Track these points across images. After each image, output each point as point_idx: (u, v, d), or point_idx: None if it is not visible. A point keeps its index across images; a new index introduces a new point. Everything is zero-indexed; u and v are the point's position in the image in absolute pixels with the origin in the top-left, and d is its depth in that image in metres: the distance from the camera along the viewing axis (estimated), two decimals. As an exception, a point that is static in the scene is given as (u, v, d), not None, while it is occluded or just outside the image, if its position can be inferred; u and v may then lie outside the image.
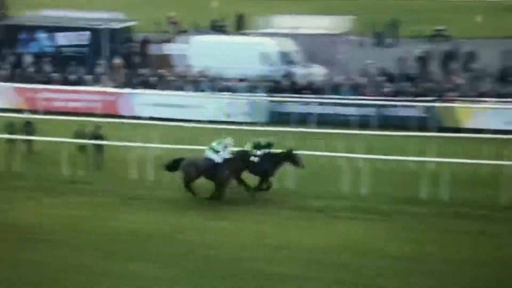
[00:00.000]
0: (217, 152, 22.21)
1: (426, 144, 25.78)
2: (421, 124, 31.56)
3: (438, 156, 23.73)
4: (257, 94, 35.54)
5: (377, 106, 33.43)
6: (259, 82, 36.40)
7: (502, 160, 23.29)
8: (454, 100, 33.38)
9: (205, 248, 18.60)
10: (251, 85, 36.30)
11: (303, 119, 32.89)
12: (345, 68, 38.06)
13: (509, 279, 17.20)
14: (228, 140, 22.57)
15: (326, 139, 26.52)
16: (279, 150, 22.97)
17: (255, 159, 22.47)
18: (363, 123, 31.88)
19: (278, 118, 33.56)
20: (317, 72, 37.89)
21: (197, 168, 22.21)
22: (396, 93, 34.59)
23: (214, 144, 22.39)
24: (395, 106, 33.40)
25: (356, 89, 35.32)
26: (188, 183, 22.29)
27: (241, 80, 36.87)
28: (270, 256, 18.27)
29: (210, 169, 22.11)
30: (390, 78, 36.00)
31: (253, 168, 22.65)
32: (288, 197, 22.78)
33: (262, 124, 32.03)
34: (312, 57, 39.06)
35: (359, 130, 29.51)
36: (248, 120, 33.41)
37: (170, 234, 19.77)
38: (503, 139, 27.18)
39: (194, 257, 18.09)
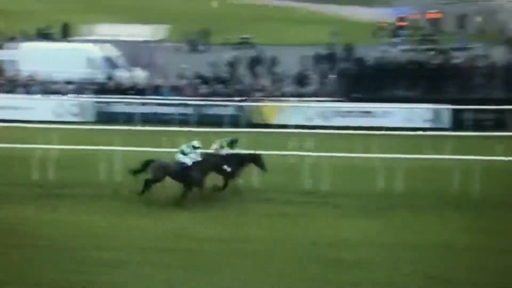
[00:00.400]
0: (187, 154, 21.43)
1: (239, 138, 26.77)
2: (234, 121, 33.00)
3: (249, 149, 24.88)
4: (84, 96, 36.03)
5: (195, 105, 34.64)
6: (86, 85, 36.91)
7: (304, 151, 24.87)
8: (261, 99, 35.10)
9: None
10: (79, 88, 36.74)
11: (128, 118, 33.43)
12: (164, 71, 39.10)
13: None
14: (197, 143, 21.75)
15: (151, 136, 27.29)
16: (245, 152, 22.61)
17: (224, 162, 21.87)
18: (183, 121, 32.91)
19: (105, 117, 33.99)
20: (139, 75, 38.78)
21: (166, 170, 21.53)
22: (211, 94, 35.98)
23: (184, 147, 21.64)
24: (211, 105, 34.76)
25: (175, 91, 36.47)
26: (150, 183, 21.49)
27: (68, 83, 37.19)
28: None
29: (180, 171, 21.37)
30: (205, 81, 37.26)
31: (220, 169, 22.02)
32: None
33: (90, 123, 32.49)
34: (134, 62, 39.98)
35: (180, 127, 30.50)
36: (77, 120, 33.85)
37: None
38: (304, 133, 28.86)
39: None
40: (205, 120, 33.30)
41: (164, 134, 27.23)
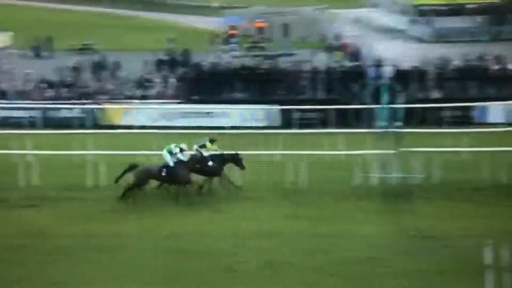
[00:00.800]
0: (173, 154, 20.99)
1: (86, 139, 26.34)
2: (82, 123, 32.54)
3: (96, 149, 24.69)
4: None
5: (41, 109, 33.78)
6: None
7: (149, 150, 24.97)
8: (106, 102, 34.68)
9: None
10: None
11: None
12: (11, 76, 37.81)
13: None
14: (184, 145, 21.33)
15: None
16: (224, 152, 22.31)
17: (210, 162, 21.74)
18: (31, 124, 32.16)
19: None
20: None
21: (150, 173, 21.04)
22: (57, 98, 35.11)
23: (171, 146, 21.18)
24: (58, 108, 33.98)
25: (22, 95, 35.38)
26: (133, 188, 20.99)
27: None
28: None
29: (166, 172, 20.97)
30: (51, 85, 36.39)
31: (203, 169, 21.81)
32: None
33: None
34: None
35: (29, 130, 29.77)
36: None
37: None
38: (148, 133, 28.89)
39: None
40: (53, 122, 32.53)
41: (12, 137, 26.62)
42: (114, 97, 35.24)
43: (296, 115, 32.53)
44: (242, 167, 22.14)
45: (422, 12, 54.48)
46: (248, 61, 36.83)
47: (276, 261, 17.02)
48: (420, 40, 50.60)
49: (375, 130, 28.51)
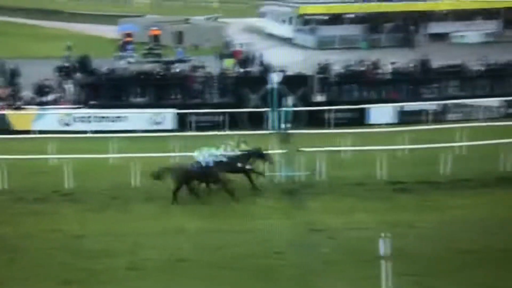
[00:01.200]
0: (215, 155, 20.84)
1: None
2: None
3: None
4: None
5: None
6: None
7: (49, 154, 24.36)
8: (5, 108, 33.41)
9: None
10: None
11: None
12: None
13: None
14: (223, 145, 21.50)
15: None
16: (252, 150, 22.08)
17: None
18: None
19: None
20: None
21: (190, 173, 20.68)
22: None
23: (212, 149, 21.02)
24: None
25: None
26: (178, 189, 20.65)
27: None
28: None
29: (204, 173, 20.71)
30: None
31: (235, 167, 21.58)
32: None
33: None
34: None
35: None
36: None
37: None
38: (48, 137, 27.95)
39: None
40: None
41: None
42: (14, 104, 33.87)
43: (191, 119, 32.34)
44: (270, 160, 22.33)
45: (306, 21, 55.44)
46: (145, 67, 36.29)
47: (178, 257, 16.90)
48: (305, 47, 51.44)
49: (266, 131, 28.87)
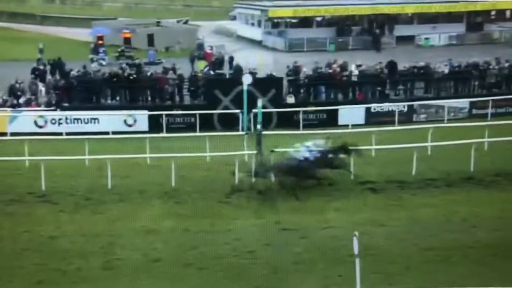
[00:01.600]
0: (311, 151, 20.75)
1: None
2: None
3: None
4: None
5: None
6: None
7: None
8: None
9: None
10: None
11: None
12: None
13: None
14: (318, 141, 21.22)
15: None
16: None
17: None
18: None
19: None
20: None
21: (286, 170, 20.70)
22: None
23: (309, 144, 20.98)
24: None
25: None
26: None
27: None
28: None
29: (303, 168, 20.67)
30: None
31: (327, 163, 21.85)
32: None
33: None
34: None
35: None
36: None
37: None
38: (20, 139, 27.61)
39: None
40: None
41: None
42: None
43: (163, 120, 32.18)
44: (359, 154, 22.43)
45: (276, 24, 55.59)
46: (117, 69, 36.04)
47: (150, 257, 16.81)
48: (274, 49, 51.56)
49: (237, 133, 28.87)
